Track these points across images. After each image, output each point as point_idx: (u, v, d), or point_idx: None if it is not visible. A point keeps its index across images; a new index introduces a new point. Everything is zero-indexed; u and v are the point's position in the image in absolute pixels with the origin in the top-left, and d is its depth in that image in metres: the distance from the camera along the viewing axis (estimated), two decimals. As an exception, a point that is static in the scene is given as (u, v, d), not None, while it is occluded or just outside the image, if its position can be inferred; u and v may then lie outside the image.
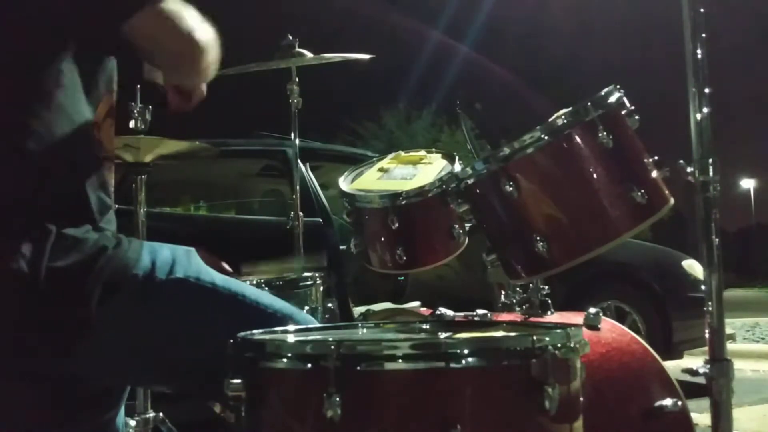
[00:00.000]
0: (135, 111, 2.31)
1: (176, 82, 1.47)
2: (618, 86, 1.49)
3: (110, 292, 1.20)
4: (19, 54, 1.24)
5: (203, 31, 1.30)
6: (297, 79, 2.91)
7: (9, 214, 1.19)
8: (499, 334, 1.23)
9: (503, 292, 1.93)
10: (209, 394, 1.42)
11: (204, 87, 1.50)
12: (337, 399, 0.92)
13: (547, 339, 0.99)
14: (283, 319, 1.34)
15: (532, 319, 1.80)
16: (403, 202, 1.83)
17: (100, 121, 1.36)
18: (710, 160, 1.37)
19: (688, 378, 1.37)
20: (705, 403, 1.35)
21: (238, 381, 1.04)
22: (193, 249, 1.37)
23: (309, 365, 0.97)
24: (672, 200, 1.49)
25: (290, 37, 2.77)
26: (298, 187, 3.08)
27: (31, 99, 1.23)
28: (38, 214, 1.20)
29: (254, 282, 2.03)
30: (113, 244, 1.24)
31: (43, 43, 1.24)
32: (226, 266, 1.63)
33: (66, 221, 1.21)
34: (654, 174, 1.47)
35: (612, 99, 1.46)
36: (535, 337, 0.98)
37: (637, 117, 1.48)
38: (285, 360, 0.99)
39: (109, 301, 1.20)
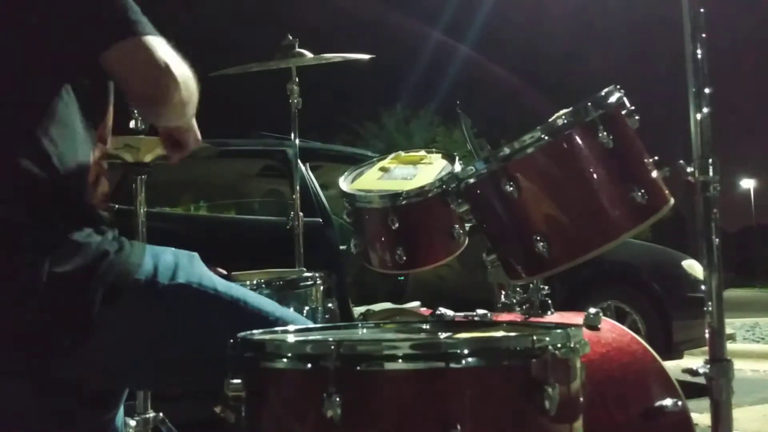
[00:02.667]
0: (135, 111, 2.30)
1: (151, 119, 1.47)
2: (618, 86, 1.49)
3: (112, 296, 1.21)
4: (17, 69, 1.25)
5: (179, 66, 1.28)
6: (297, 79, 2.91)
7: (11, 220, 1.19)
8: (499, 334, 1.23)
9: (503, 292, 1.93)
10: (209, 397, 1.42)
11: (197, 133, 1.49)
12: (337, 399, 0.92)
13: (547, 339, 0.99)
14: (285, 325, 1.34)
15: (532, 319, 1.80)
16: (403, 202, 1.83)
17: (107, 130, 1.38)
18: (710, 160, 1.37)
19: (688, 378, 1.37)
20: (705, 403, 1.34)
21: (238, 381, 1.04)
22: (196, 254, 1.37)
23: (309, 365, 0.97)
24: (672, 200, 1.49)
25: (290, 37, 2.77)
26: (298, 187, 3.08)
27: (31, 109, 1.23)
28: (40, 219, 1.20)
29: (254, 282, 2.03)
30: (115, 249, 1.24)
31: (38, 60, 1.25)
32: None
33: (68, 225, 1.22)
34: (654, 174, 1.47)
35: (612, 99, 1.46)
36: (535, 337, 0.98)
37: (637, 117, 1.48)
38: (285, 360, 0.99)
39: (111, 305, 1.20)
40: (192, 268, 1.32)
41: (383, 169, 2.08)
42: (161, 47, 1.25)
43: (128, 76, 1.27)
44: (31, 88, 1.25)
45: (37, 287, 1.15)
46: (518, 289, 1.89)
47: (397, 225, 1.82)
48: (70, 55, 1.25)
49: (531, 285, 1.85)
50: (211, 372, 1.12)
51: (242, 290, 1.37)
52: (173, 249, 1.35)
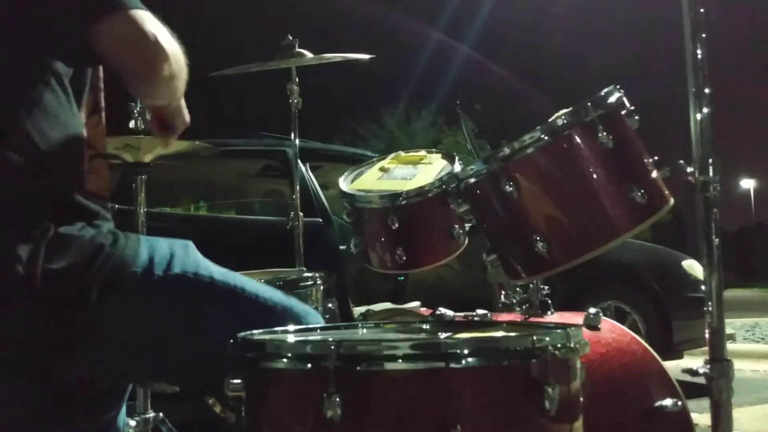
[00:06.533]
0: (135, 111, 2.30)
1: (140, 94, 1.46)
2: (618, 86, 1.49)
3: (109, 290, 1.20)
4: (5, 60, 1.24)
5: (168, 40, 1.27)
6: (297, 79, 2.91)
7: (3, 215, 1.19)
8: (499, 334, 1.23)
9: (503, 292, 1.93)
10: (209, 390, 1.41)
11: (186, 114, 1.49)
12: (337, 399, 0.92)
13: (547, 339, 0.99)
14: (283, 311, 1.34)
15: (532, 319, 1.80)
16: (403, 202, 1.83)
17: (85, 121, 1.36)
18: (710, 160, 1.37)
19: (688, 378, 1.37)
20: (705, 403, 1.35)
21: (238, 381, 1.05)
22: (191, 243, 1.36)
23: (309, 365, 0.97)
24: (672, 200, 1.49)
25: (290, 37, 2.77)
26: (298, 187, 3.08)
27: (20, 103, 1.22)
28: (32, 215, 1.20)
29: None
30: (110, 241, 1.24)
31: (27, 50, 1.24)
32: None
33: (60, 220, 1.21)
34: (654, 174, 1.47)
35: (612, 99, 1.46)
36: (535, 337, 0.98)
37: (636, 117, 1.48)
38: (285, 360, 0.99)
39: (107, 299, 1.20)
40: (188, 257, 1.32)
41: (383, 169, 2.09)
42: (149, 20, 1.24)
43: (117, 50, 1.25)
44: (16, 77, 1.24)
45: (31, 284, 1.15)
46: (518, 289, 1.90)
47: (397, 225, 1.82)
48: (57, 36, 1.24)
49: (531, 285, 1.85)
50: (211, 362, 1.12)
51: (239, 277, 1.36)
52: (168, 239, 1.34)
